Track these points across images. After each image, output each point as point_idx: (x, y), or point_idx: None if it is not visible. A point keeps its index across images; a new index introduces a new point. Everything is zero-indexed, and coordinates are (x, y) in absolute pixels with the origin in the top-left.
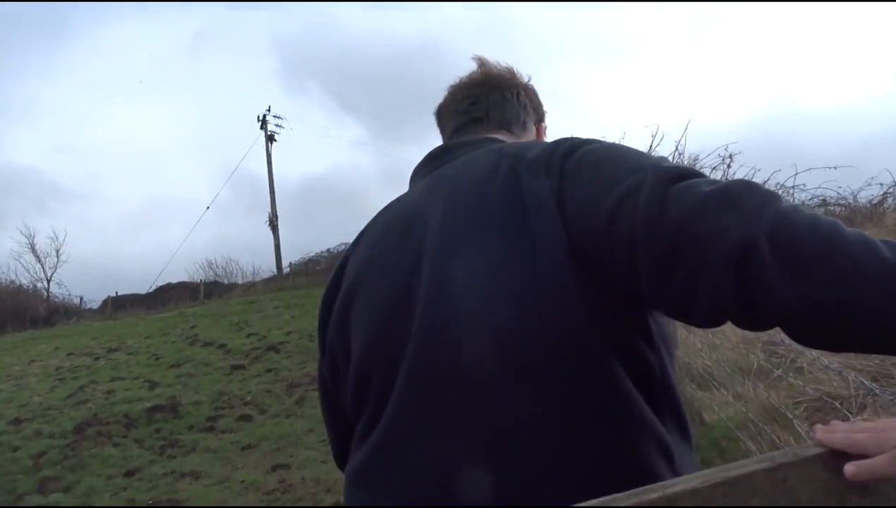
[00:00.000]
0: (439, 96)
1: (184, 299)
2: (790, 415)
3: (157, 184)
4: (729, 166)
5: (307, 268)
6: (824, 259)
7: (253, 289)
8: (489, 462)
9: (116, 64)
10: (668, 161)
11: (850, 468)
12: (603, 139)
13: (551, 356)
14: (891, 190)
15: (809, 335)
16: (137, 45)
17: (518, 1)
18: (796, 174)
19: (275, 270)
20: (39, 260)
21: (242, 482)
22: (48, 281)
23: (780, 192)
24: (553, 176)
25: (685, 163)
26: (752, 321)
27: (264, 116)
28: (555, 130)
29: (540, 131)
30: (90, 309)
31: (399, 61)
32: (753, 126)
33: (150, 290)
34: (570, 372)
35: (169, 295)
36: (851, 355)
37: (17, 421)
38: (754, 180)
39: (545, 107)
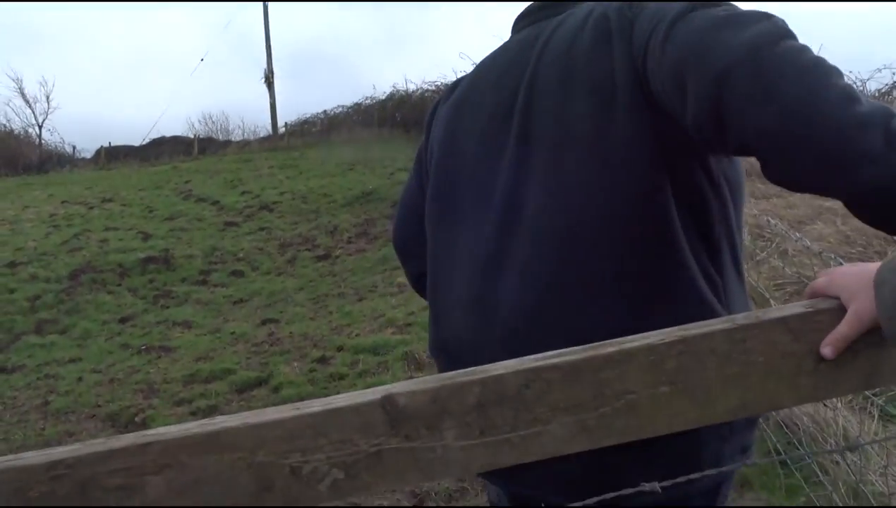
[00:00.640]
0: None
1: (178, 153)
2: (768, 296)
3: (148, 32)
4: None
5: (303, 130)
6: (796, 99)
7: (248, 148)
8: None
9: None
10: None
11: (826, 350)
12: None
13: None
14: None
15: (770, 166)
16: None
17: None
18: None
19: (270, 130)
20: (30, 105)
21: (233, 333)
22: (40, 127)
23: None
24: (631, 18)
25: None
26: (722, 144)
27: None
28: None
29: None
30: (83, 159)
31: None
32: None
33: (144, 143)
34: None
35: (163, 149)
36: (836, 243)
37: (12, 264)
38: None
39: None
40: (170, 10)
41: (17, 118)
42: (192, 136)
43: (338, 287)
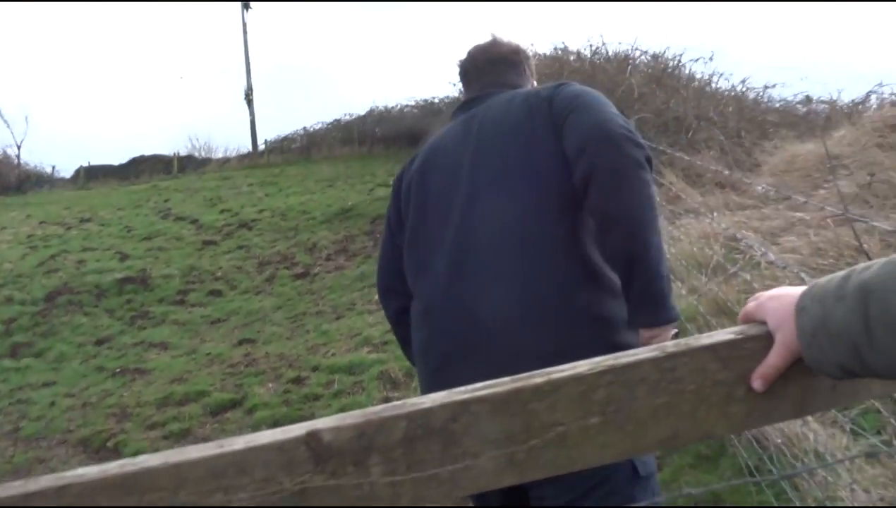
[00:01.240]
0: None
1: (157, 172)
2: (737, 310)
3: (128, 50)
4: (711, 59)
5: (282, 147)
6: (637, 222)
7: (227, 166)
8: (510, 280)
9: None
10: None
11: (756, 384)
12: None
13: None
14: (875, 88)
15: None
16: None
17: None
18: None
19: (250, 147)
20: (8, 126)
21: (208, 354)
22: (18, 147)
23: (766, 90)
24: (549, 99)
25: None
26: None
27: None
28: None
29: (534, 86)
30: (62, 179)
31: None
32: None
33: (124, 162)
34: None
35: (142, 168)
36: (808, 254)
37: None
38: (736, 78)
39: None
40: (149, 27)
41: None
42: (172, 155)
43: (316, 305)
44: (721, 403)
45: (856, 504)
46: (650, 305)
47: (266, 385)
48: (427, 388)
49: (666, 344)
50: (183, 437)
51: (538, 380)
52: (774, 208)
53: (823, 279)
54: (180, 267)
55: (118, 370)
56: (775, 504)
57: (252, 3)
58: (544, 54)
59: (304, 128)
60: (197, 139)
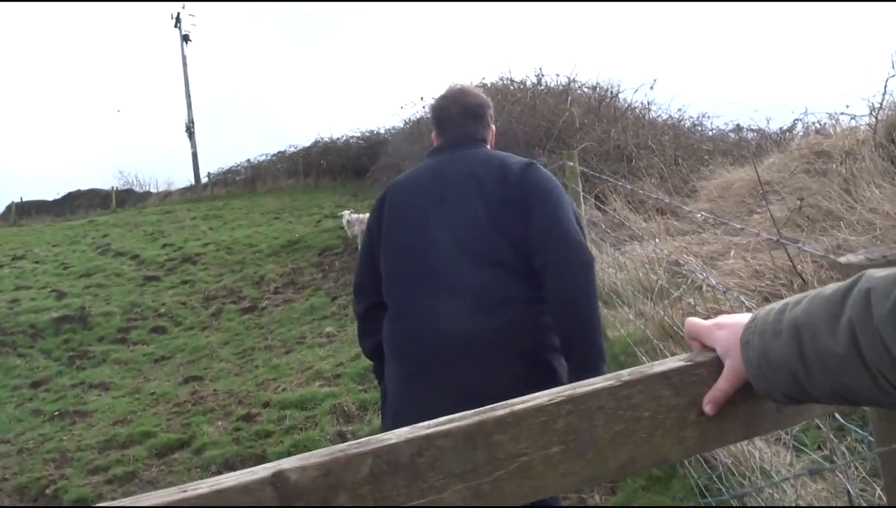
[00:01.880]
0: None
1: (94, 207)
2: (683, 333)
3: (62, 81)
4: (651, 88)
5: (226, 179)
6: (584, 310)
7: (169, 199)
8: (466, 303)
9: None
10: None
11: (707, 408)
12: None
13: (508, 253)
14: (801, 116)
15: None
16: None
17: None
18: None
19: (192, 180)
20: None
21: (153, 394)
22: None
23: (701, 119)
24: (519, 176)
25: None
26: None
27: (178, 14)
28: None
29: (492, 131)
30: None
31: None
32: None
33: (58, 197)
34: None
35: (79, 203)
36: (746, 277)
37: None
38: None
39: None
40: (85, 59)
41: None
42: (109, 189)
43: (265, 339)
44: (675, 428)
45: None
46: (586, 368)
47: (215, 423)
48: (399, 390)
49: (621, 372)
50: (128, 481)
51: (501, 412)
52: (713, 233)
53: (763, 310)
54: (121, 305)
55: (56, 413)
56: None
57: (192, 36)
58: (490, 84)
59: (248, 160)
60: (135, 174)
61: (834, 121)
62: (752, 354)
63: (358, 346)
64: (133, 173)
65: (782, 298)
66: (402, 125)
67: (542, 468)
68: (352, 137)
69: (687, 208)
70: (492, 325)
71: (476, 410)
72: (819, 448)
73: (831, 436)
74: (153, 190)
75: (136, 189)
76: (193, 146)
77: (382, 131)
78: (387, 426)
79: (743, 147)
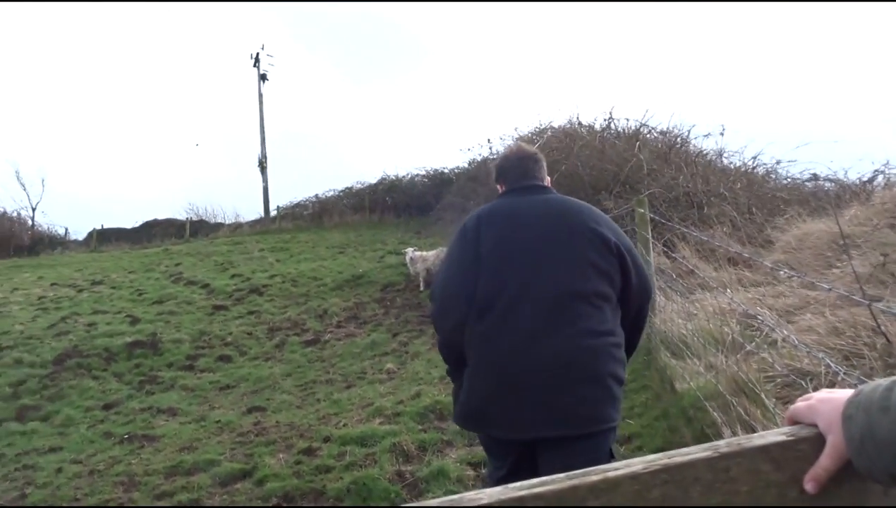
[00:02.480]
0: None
1: (169, 236)
2: (758, 390)
3: (144, 115)
4: (722, 135)
5: (294, 213)
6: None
7: (239, 231)
8: (565, 331)
9: None
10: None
11: (808, 486)
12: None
13: (598, 295)
14: (881, 168)
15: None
16: None
17: None
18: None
19: (261, 213)
20: (24, 188)
21: (218, 422)
22: (33, 209)
23: (774, 166)
24: (615, 230)
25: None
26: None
27: (257, 54)
28: None
29: (548, 180)
30: (75, 241)
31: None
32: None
33: (136, 225)
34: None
35: (155, 231)
36: (825, 334)
37: None
38: (747, 151)
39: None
40: (166, 94)
41: (11, 201)
42: (184, 219)
43: (326, 373)
44: (774, 504)
45: None
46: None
47: (277, 455)
48: (486, 401)
49: (718, 443)
50: None
51: (594, 478)
52: (788, 286)
53: (869, 385)
54: (190, 332)
55: (126, 436)
56: None
57: (269, 75)
58: (558, 126)
59: (316, 195)
60: (207, 207)
61: None
62: (855, 430)
63: (417, 386)
64: (203, 205)
65: (864, 358)
66: (466, 165)
67: None
68: (417, 175)
69: (761, 260)
70: (586, 353)
71: (568, 473)
72: None
73: None
74: (224, 221)
75: (208, 220)
76: (265, 180)
77: (447, 170)
78: (468, 426)
79: (820, 197)
